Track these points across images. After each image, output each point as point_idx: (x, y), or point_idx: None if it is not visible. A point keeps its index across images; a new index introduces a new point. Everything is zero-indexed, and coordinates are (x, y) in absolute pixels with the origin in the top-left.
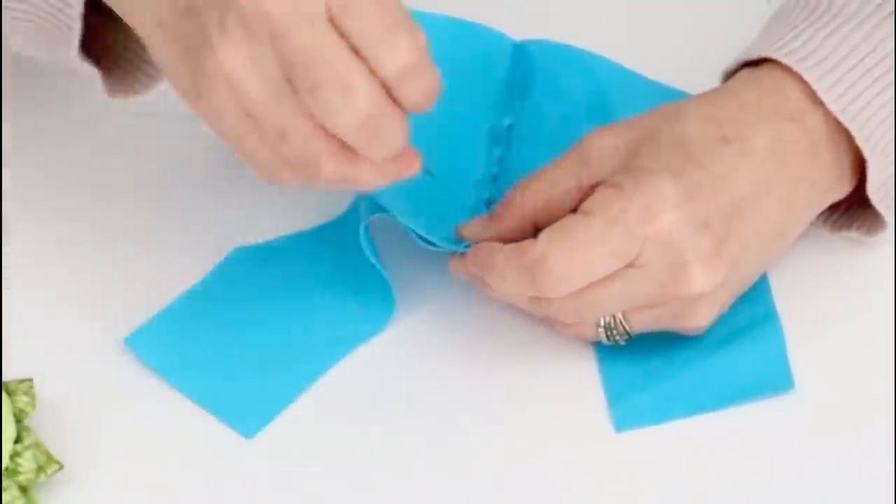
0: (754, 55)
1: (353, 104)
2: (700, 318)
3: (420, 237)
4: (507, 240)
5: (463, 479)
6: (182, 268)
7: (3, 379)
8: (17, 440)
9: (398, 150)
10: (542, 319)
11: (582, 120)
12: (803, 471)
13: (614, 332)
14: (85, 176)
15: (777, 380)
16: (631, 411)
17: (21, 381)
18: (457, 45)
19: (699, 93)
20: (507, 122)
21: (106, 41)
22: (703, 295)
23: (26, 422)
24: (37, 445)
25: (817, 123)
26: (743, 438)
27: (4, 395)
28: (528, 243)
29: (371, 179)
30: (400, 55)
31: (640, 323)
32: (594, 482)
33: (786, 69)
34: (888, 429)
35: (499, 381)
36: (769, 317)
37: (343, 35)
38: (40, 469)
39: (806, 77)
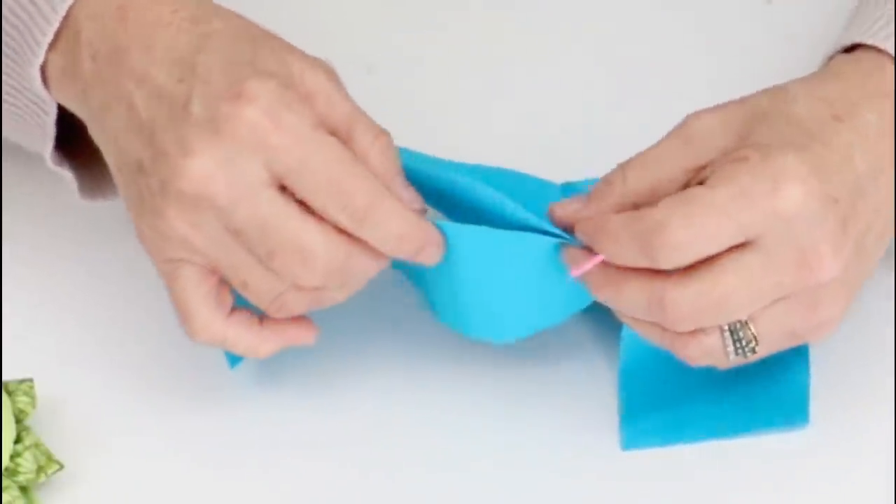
0: (843, 44)
1: (312, 267)
2: (833, 308)
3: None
4: None
5: (468, 488)
6: None
7: (3, 379)
8: (17, 440)
9: (374, 274)
10: (661, 339)
11: None
12: (803, 480)
13: (741, 337)
14: None
15: (793, 414)
16: (640, 431)
17: (21, 381)
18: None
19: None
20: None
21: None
22: (832, 280)
23: (26, 422)
24: (37, 445)
25: None
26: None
27: (4, 395)
28: (645, 210)
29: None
30: (353, 202)
31: (769, 323)
32: (593, 498)
33: (880, 52)
34: (888, 428)
35: (508, 391)
36: (801, 349)
37: (294, 195)
38: (40, 469)
39: (884, 46)
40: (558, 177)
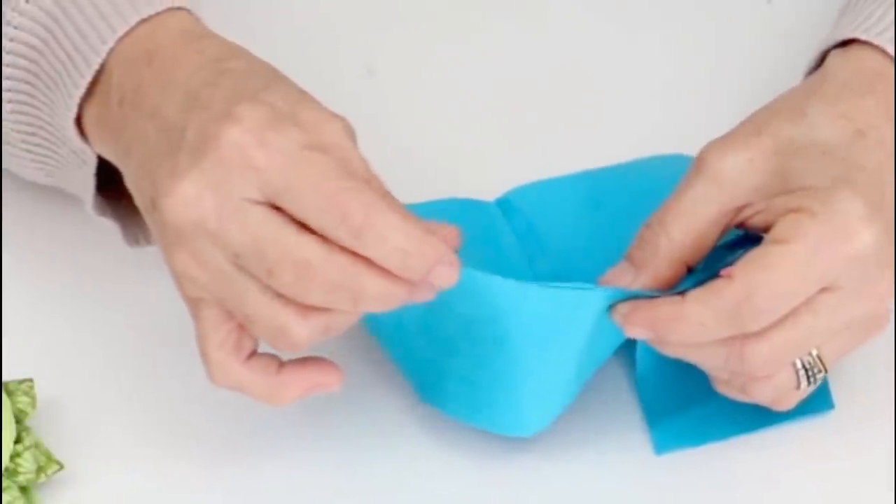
0: (837, 38)
1: (310, 279)
2: (887, 319)
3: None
4: (663, 286)
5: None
6: None
7: (3, 379)
8: (17, 440)
9: (393, 300)
10: (731, 384)
11: (595, 233)
12: (806, 479)
13: (814, 370)
14: None
15: (817, 401)
16: (670, 433)
17: (21, 381)
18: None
19: (801, 85)
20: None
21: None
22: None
23: (26, 422)
24: (37, 445)
25: None
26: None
27: (4, 395)
28: (719, 284)
29: (351, 323)
30: (350, 216)
31: (835, 352)
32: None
33: (874, 48)
34: (889, 429)
35: None
36: None
37: (285, 213)
38: (40, 469)
39: (888, 49)
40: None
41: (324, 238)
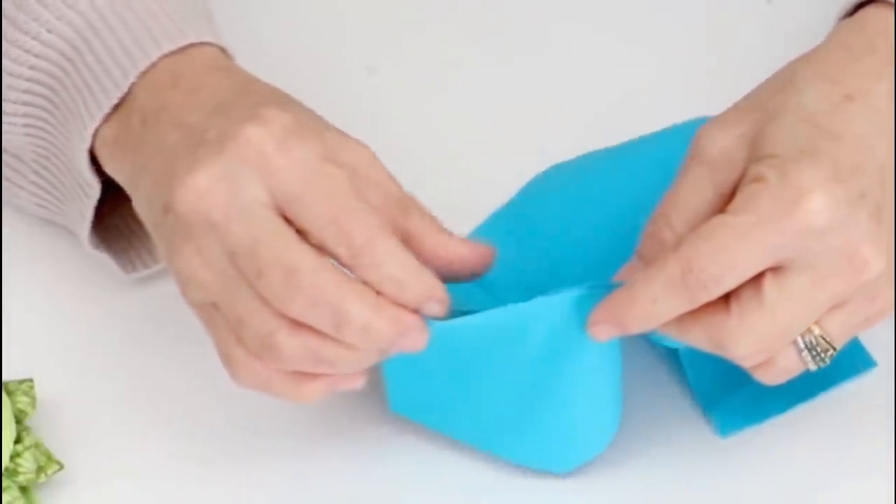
0: (847, 7)
1: (296, 287)
2: (888, 293)
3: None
4: None
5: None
6: None
7: (3, 379)
8: (17, 440)
9: (376, 336)
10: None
11: (527, 255)
12: (805, 479)
13: (818, 349)
14: None
15: (859, 362)
16: (730, 414)
17: (21, 381)
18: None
19: (805, 54)
20: None
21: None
22: (883, 271)
23: (26, 422)
24: (37, 445)
25: None
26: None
27: (4, 395)
28: (665, 258)
29: (343, 362)
30: (351, 237)
31: (838, 327)
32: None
33: (882, 5)
34: (889, 428)
35: None
36: None
37: (289, 220)
38: (40, 469)
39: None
40: None
41: (320, 253)
